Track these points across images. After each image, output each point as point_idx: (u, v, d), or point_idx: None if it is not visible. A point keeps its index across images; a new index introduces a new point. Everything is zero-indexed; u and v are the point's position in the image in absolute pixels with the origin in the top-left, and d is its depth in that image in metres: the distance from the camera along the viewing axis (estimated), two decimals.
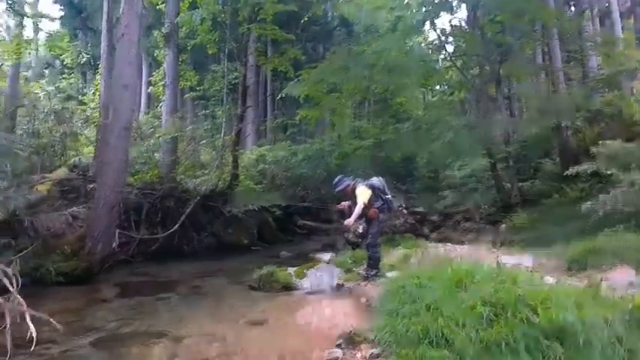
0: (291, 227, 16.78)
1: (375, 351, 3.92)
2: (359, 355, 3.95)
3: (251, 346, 4.40)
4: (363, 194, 6.64)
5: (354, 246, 9.67)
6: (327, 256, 9.24)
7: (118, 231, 9.80)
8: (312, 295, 6.63)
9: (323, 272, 7.42)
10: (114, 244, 8.81)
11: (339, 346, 4.18)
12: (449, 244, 9.60)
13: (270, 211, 14.21)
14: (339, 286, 6.78)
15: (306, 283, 7.19)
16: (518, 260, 6.58)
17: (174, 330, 5.20)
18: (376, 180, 6.99)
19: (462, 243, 11.29)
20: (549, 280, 5.17)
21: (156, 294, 7.39)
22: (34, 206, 7.86)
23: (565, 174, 9.06)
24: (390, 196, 7.07)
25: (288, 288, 7.11)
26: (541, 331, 3.04)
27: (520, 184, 13.60)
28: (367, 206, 6.63)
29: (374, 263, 6.77)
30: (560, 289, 3.71)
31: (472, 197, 15.68)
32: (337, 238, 14.31)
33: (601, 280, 5.22)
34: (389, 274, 6.71)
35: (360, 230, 6.82)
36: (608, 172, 8.20)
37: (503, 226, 12.07)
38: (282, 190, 15.91)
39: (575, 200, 11.25)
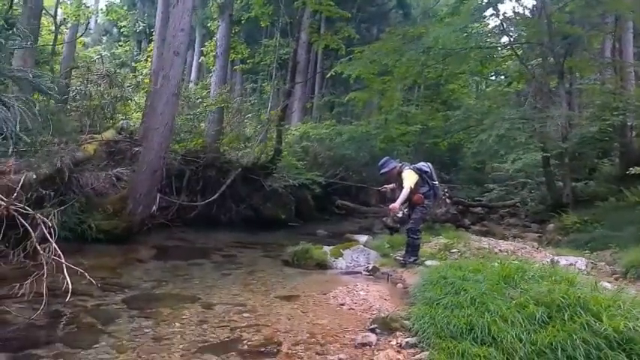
0: (330, 207, 16.60)
1: (412, 340, 3.63)
2: (394, 342, 3.68)
3: (281, 321, 4.21)
4: (409, 177, 6.30)
5: (392, 231, 9.32)
6: (363, 237, 8.99)
7: (159, 195, 9.90)
8: (346, 276, 6.41)
9: (359, 254, 7.18)
10: (154, 208, 8.87)
11: (372, 330, 3.92)
12: (492, 238, 9.12)
13: (310, 188, 14.02)
14: (375, 270, 6.51)
15: (340, 263, 6.97)
16: (569, 261, 6.09)
17: (206, 296, 5.10)
18: (424, 164, 6.64)
19: (505, 238, 10.77)
20: (607, 285, 4.71)
21: (190, 259, 7.37)
22: (79, 164, 7.95)
23: (627, 172, 8.32)
24: (437, 182, 6.70)
25: (322, 266, 6.92)
26: (605, 339, 2.68)
27: (573, 183, 12.80)
28: (413, 191, 6.28)
29: (413, 250, 6.45)
30: (627, 296, 3.29)
31: (519, 193, 14.97)
32: (374, 221, 14.04)
33: None
34: (428, 263, 6.37)
35: (400, 215, 6.46)
36: None
37: (552, 225, 11.41)
38: (323, 169, 15.68)
39: (634, 205, 10.47)
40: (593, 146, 14.14)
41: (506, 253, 6.81)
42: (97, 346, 3.61)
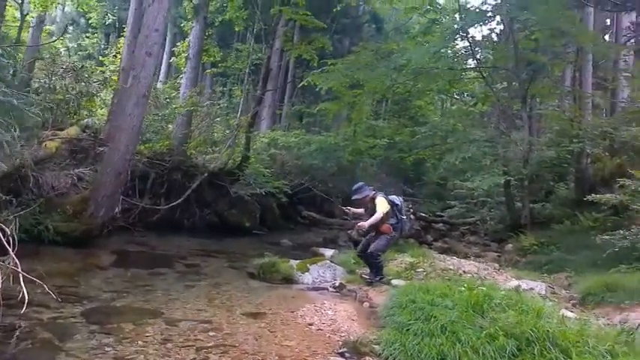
0: (294, 216, 16.50)
1: None
2: None
3: (248, 342, 4.08)
4: (383, 205, 6.31)
5: (357, 244, 9.31)
6: (329, 252, 8.95)
7: (121, 197, 9.55)
8: (313, 292, 6.34)
9: (325, 269, 7.12)
10: (116, 210, 8.53)
11: (342, 355, 3.87)
12: (454, 257, 9.25)
13: (276, 196, 13.88)
14: (342, 287, 6.47)
15: (307, 278, 6.89)
16: (530, 285, 6.24)
17: (169, 311, 4.91)
18: (396, 198, 6.66)
19: (466, 256, 10.97)
20: (569, 314, 4.84)
21: (152, 267, 7.11)
22: (40, 162, 7.55)
23: (585, 199, 8.67)
24: (405, 217, 6.76)
25: (288, 280, 6.82)
26: None
27: (531, 205, 13.21)
28: (383, 219, 6.30)
29: (377, 269, 6.47)
30: (591, 330, 3.38)
31: (479, 211, 15.34)
32: (339, 233, 14.05)
33: (622, 322, 4.91)
34: (395, 282, 6.39)
35: (365, 228, 6.41)
36: (632, 207, 7.82)
37: (510, 245, 11.73)
38: (289, 178, 15.57)
39: (588, 229, 10.90)
40: (550, 170, 14.65)
41: (470, 275, 6.91)
42: None
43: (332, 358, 3.79)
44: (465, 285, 5.01)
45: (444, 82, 15.39)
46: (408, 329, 3.89)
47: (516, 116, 14.69)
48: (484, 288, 4.77)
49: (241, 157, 13.48)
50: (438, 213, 18.16)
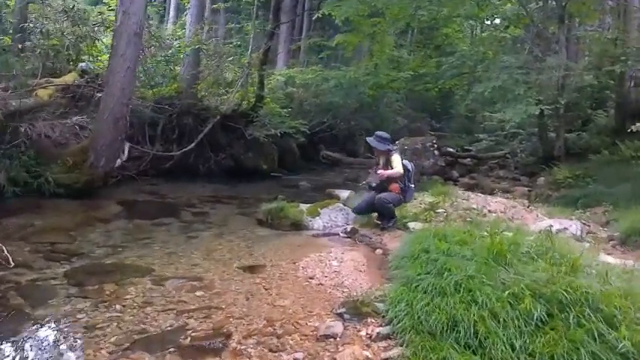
0: (316, 156, 15.91)
1: (385, 330, 3.06)
2: (364, 332, 3.10)
3: (237, 302, 3.60)
4: (400, 164, 5.82)
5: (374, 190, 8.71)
6: (345, 193, 8.34)
7: (129, 145, 9.13)
8: (322, 239, 5.81)
9: (337, 213, 6.56)
10: (123, 158, 8.11)
11: (340, 315, 3.33)
12: (480, 193, 8.51)
13: (295, 137, 13.23)
14: (354, 232, 5.91)
15: (317, 223, 6.36)
16: (563, 225, 5.52)
17: (161, 267, 4.49)
18: (409, 164, 6.11)
19: (493, 192, 10.21)
20: (608, 259, 4.15)
21: (157, 217, 6.73)
22: (29, 112, 7.06)
23: (628, 129, 7.60)
24: (413, 185, 6.18)
25: (297, 226, 6.32)
26: (622, 358, 2.10)
27: (566, 135, 12.11)
28: (395, 178, 5.81)
29: (389, 214, 5.88)
30: None
31: (509, 143, 14.29)
32: (360, 172, 13.38)
33: None
34: (411, 225, 5.79)
35: (385, 177, 5.83)
36: None
37: (542, 179, 10.83)
38: (309, 117, 14.81)
39: (629, 160, 9.87)
40: (589, 97, 13.35)
41: (495, 215, 6.22)
42: (14, 338, 2.99)
43: (328, 320, 3.26)
44: (488, 230, 4.34)
45: (473, 4, 13.88)
46: (417, 286, 3.30)
47: (552, 39, 13.25)
48: (509, 233, 4.09)
49: (255, 97, 12.77)
50: (466, 147, 17.14)
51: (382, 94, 17.18)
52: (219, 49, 12.11)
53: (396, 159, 5.88)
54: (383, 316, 3.25)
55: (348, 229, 5.94)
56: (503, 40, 16.76)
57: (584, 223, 6.10)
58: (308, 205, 6.76)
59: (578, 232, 5.35)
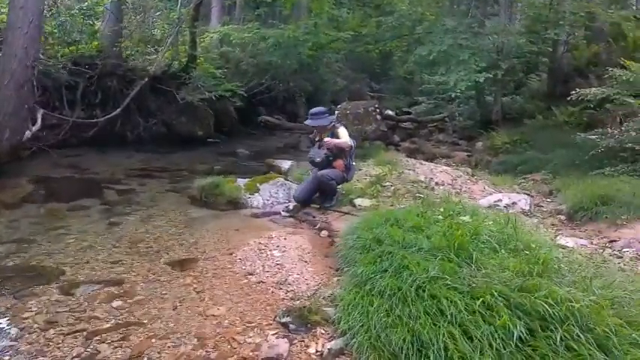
0: (255, 119, 15.01)
1: (336, 345, 2.58)
2: (312, 348, 2.61)
3: (162, 316, 2.97)
4: (348, 137, 5.30)
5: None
6: (286, 164, 7.73)
7: (42, 112, 7.91)
8: (262, 220, 5.22)
9: (278, 188, 5.96)
10: (30, 130, 6.94)
11: (284, 325, 2.81)
12: (423, 161, 8.22)
13: (232, 100, 12.26)
14: (296, 209, 5.36)
15: (257, 200, 5.74)
16: (511, 199, 5.27)
17: (74, 267, 3.72)
18: (351, 140, 5.43)
19: (434, 158, 10.03)
20: (565, 241, 3.89)
21: (76, 199, 5.81)
22: None
23: (569, 98, 7.48)
24: (354, 163, 5.64)
25: (235, 205, 5.67)
26: None
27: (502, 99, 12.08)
28: (342, 151, 5.28)
29: (331, 193, 5.37)
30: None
31: (448, 107, 14.17)
32: (301, 137, 12.74)
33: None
34: (358, 202, 5.32)
35: (321, 157, 5.24)
36: (624, 100, 6.73)
37: (480, 144, 10.79)
38: (246, 78, 13.81)
39: (562, 125, 9.97)
40: (521, 61, 13.36)
41: (442, 187, 5.89)
42: None
43: (271, 334, 2.73)
44: (441, 214, 3.94)
45: None
46: (372, 288, 2.82)
47: (490, 1, 13.01)
48: (465, 216, 3.70)
49: (187, 57, 11.61)
50: (405, 109, 16.92)
51: (322, 54, 16.37)
52: (144, 2, 10.73)
53: (343, 132, 5.33)
54: (334, 324, 2.77)
55: (290, 207, 5.37)
56: (441, 2, 16.35)
57: (529, 195, 5.92)
58: (246, 179, 6.09)
59: (527, 207, 5.12)
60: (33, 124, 7.20)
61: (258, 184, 5.92)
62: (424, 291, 2.61)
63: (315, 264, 3.82)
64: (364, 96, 18.16)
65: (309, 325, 2.80)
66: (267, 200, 5.75)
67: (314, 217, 5.24)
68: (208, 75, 11.39)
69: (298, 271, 3.62)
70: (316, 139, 5.34)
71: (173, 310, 3.04)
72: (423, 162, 7.79)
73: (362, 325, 2.56)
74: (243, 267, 3.71)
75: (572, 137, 8.02)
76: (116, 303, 3.12)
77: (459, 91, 10.23)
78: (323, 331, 2.75)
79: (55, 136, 8.66)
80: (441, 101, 15.10)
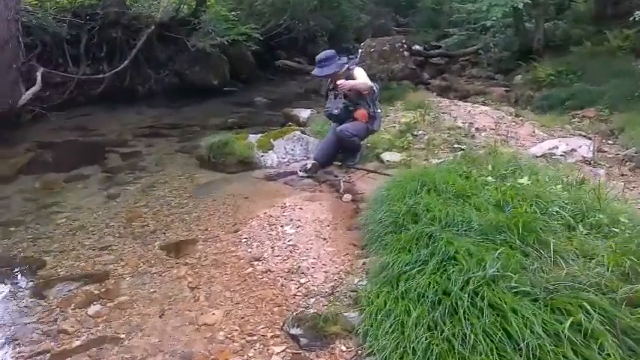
0: (273, 64, 13.95)
1: None
2: None
3: (146, 324, 2.33)
4: (366, 78, 4.34)
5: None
6: (305, 112, 6.87)
7: (42, 70, 7.24)
8: (276, 183, 4.45)
9: (295, 144, 5.15)
10: (23, 93, 6.27)
11: (295, 338, 2.13)
12: (457, 101, 7.20)
13: (247, 44, 11.21)
14: (315, 168, 4.56)
15: (270, 159, 4.97)
16: (569, 145, 4.31)
17: (57, 258, 3.13)
18: (374, 84, 4.48)
19: (467, 95, 8.93)
20: None
21: (76, 167, 5.19)
22: None
23: (630, 19, 6.18)
24: (380, 110, 4.65)
25: (246, 164, 4.92)
26: None
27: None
28: (361, 94, 4.32)
29: (354, 151, 4.57)
30: None
31: (482, 37, 12.65)
32: (322, 82, 11.70)
33: None
34: (386, 157, 4.48)
35: (347, 88, 4.35)
36: None
37: (519, 77, 9.50)
38: (263, 20, 12.64)
39: (616, 51, 8.57)
40: None
41: (485, 135, 4.95)
42: None
43: (277, 351, 2.06)
44: (490, 173, 3.09)
45: None
46: (408, 289, 2.07)
47: None
48: (524, 178, 2.83)
49: (196, 0, 10.53)
50: (434, 43, 15.38)
51: None
52: None
53: (360, 73, 4.40)
54: (358, 338, 2.07)
55: (308, 166, 4.57)
56: None
57: (587, 138, 4.92)
58: (258, 135, 5.30)
59: (590, 154, 4.16)
60: (32, 85, 6.53)
61: (272, 140, 5.13)
62: (482, 298, 1.84)
63: (335, 241, 3.09)
64: (390, 31, 16.60)
65: (325, 339, 2.11)
66: (283, 158, 4.98)
67: (335, 176, 4.46)
68: (220, 18, 10.29)
69: (314, 252, 2.90)
70: (330, 88, 4.44)
71: (160, 317, 2.40)
72: (458, 102, 6.79)
73: (396, 346, 1.84)
74: (249, 249, 3.02)
75: (630, 65, 6.79)
76: (94, 308, 2.50)
77: (493, 18, 8.89)
78: (344, 348, 2.05)
79: (61, 95, 8.02)
80: (473, 32, 13.48)
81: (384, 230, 2.75)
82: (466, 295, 1.87)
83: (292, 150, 5.06)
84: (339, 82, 4.29)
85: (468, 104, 6.65)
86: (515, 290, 1.86)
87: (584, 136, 5.07)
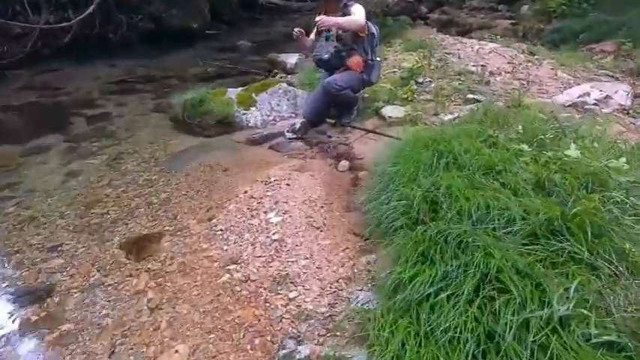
0: (258, 2, 12.63)
1: None
2: None
3: None
4: (363, 14, 3.44)
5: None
6: (292, 58, 5.99)
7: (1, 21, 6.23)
8: (260, 148, 3.73)
9: (280, 98, 4.36)
10: None
11: None
12: (464, 39, 6.29)
13: None
14: (305, 128, 3.83)
15: (253, 117, 4.22)
16: (603, 91, 3.55)
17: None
18: (373, 26, 3.68)
19: (470, 30, 7.99)
20: None
21: (36, 136, 4.40)
22: None
23: None
24: (379, 59, 3.77)
25: (226, 124, 4.18)
26: None
27: None
28: (354, 44, 3.50)
29: (347, 106, 3.78)
30: None
31: None
32: (311, 18, 10.56)
33: None
34: (387, 112, 3.74)
35: (328, 54, 3.53)
36: None
37: (525, 7, 8.45)
38: None
39: None
40: None
41: (501, 78, 4.16)
42: None
43: None
44: (523, 138, 2.38)
45: None
46: (433, 329, 1.45)
47: None
48: (572, 150, 2.12)
49: None
50: None
51: None
52: None
53: (357, 9, 3.52)
54: None
55: (297, 126, 3.83)
56: None
57: (613, 77, 4.15)
58: (238, 89, 4.48)
59: (629, 101, 3.42)
60: None
61: (254, 95, 4.33)
62: (550, 356, 1.22)
63: (331, 229, 2.44)
64: None
65: None
66: (268, 116, 4.21)
67: (329, 137, 3.75)
68: None
69: (306, 250, 2.26)
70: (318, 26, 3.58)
71: (108, 357, 1.79)
72: (463, 39, 5.89)
73: None
74: (225, 247, 2.37)
75: None
76: (26, 348, 1.89)
77: None
78: None
79: (22, 49, 7.04)
80: None
81: (392, 221, 2.09)
82: (525, 351, 1.25)
83: (278, 106, 4.28)
84: (317, 19, 3.43)
85: (475, 41, 5.76)
86: (595, 342, 1.23)
87: (611, 76, 4.28)
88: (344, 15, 3.48)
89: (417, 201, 2.04)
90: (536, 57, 4.87)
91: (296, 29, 3.71)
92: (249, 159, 3.49)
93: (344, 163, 3.24)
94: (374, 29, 3.62)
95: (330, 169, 3.20)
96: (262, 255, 2.25)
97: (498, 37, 6.52)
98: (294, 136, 3.78)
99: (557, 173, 1.98)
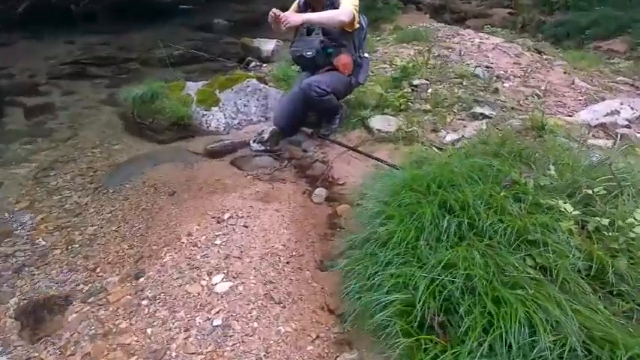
0: None
1: None
2: None
3: None
4: (350, 4, 2.64)
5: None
6: (269, 45, 5.15)
7: None
8: (219, 162, 2.96)
9: (249, 97, 3.56)
10: None
11: None
12: (462, 30, 5.51)
13: None
14: (275, 139, 3.07)
15: (216, 119, 3.43)
16: (634, 108, 2.87)
17: None
18: (362, 18, 2.85)
19: (465, 18, 7.24)
20: None
21: None
22: None
23: None
24: (367, 55, 3.00)
25: (182, 127, 3.39)
26: None
27: None
28: (343, 40, 2.73)
29: (328, 113, 3.01)
30: None
31: None
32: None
33: None
34: (375, 124, 3.00)
35: (311, 52, 2.70)
36: None
37: None
38: None
39: None
40: None
41: (510, 83, 3.44)
42: None
43: None
44: (568, 204, 1.67)
45: None
46: None
47: None
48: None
49: None
50: None
51: None
52: None
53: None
54: None
55: (265, 136, 3.06)
56: None
57: (634, 86, 3.48)
58: (199, 84, 3.67)
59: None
60: None
61: (217, 92, 3.53)
62: None
63: (297, 305, 1.76)
64: None
65: None
66: (233, 119, 3.43)
67: (304, 151, 3.00)
68: None
69: (260, 343, 1.56)
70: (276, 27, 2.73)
71: None
72: (462, 31, 5.13)
73: None
74: (149, 330, 1.65)
75: None
76: None
77: None
78: None
79: None
80: None
81: (385, 321, 1.40)
82: None
83: (245, 107, 3.49)
84: (279, 14, 2.59)
85: (474, 34, 5.01)
86: None
87: (631, 84, 3.61)
88: (332, 5, 2.68)
89: (421, 296, 1.35)
90: (544, 57, 4.15)
91: (273, 10, 2.79)
92: (203, 178, 2.73)
93: (320, 192, 2.52)
94: (363, 21, 2.84)
95: (302, 200, 2.47)
96: (197, 351, 1.54)
97: (498, 29, 5.75)
98: (262, 148, 3.03)
99: (622, 258, 1.33)
